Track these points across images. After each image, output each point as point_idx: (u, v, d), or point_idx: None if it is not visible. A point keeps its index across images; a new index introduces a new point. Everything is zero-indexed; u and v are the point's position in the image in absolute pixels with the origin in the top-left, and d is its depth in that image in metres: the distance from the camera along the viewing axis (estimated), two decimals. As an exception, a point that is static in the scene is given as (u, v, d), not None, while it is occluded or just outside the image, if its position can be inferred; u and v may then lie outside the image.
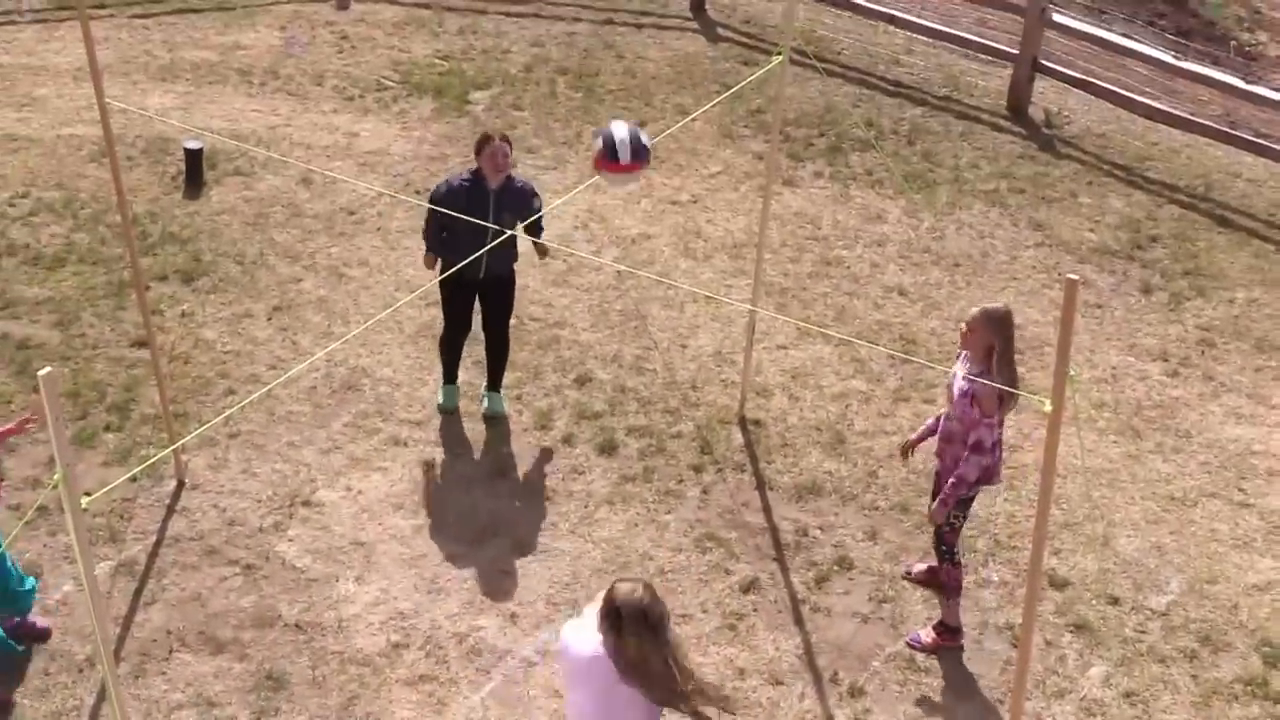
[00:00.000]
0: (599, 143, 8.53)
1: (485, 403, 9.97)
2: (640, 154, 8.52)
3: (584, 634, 5.80)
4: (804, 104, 13.84)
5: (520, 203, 9.28)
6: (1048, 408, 5.91)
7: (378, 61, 14.48)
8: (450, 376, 9.94)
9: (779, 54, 8.86)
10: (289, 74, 14.17)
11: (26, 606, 7.84)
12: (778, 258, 11.47)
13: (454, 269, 8.29)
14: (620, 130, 8.56)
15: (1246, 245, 12.30)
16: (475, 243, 8.57)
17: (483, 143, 9.21)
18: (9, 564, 7.60)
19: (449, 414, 9.81)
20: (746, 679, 8.01)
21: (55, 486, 4.82)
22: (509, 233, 8.70)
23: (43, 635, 7.95)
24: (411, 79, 14.14)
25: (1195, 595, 8.74)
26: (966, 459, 7.67)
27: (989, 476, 7.83)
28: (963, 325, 7.73)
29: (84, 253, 11.24)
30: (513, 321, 10.20)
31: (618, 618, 5.70)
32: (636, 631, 5.64)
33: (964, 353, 7.82)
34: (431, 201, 9.26)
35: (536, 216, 9.15)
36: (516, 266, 9.61)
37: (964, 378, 7.66)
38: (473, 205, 8.90)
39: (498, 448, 9.61)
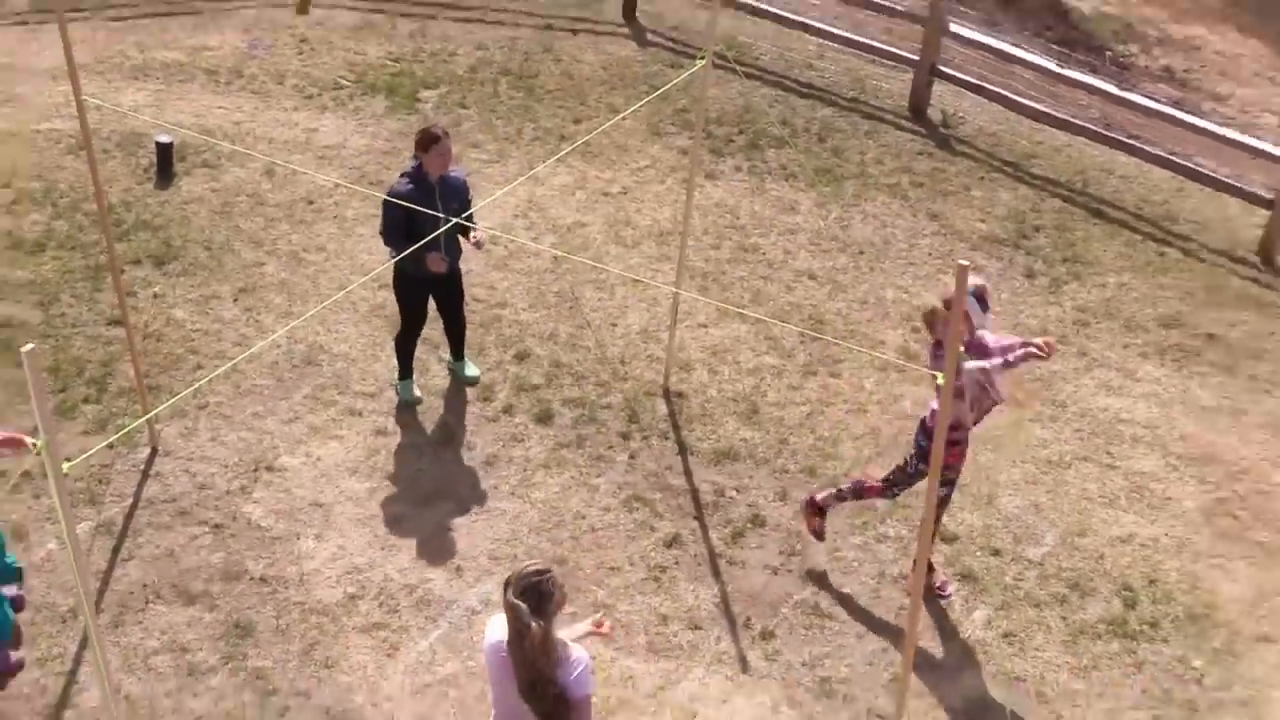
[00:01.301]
0: None
1: (463, 370, 9.94)
2: None
3: (497, 624, 5.55)
4: (725, 104, 13.92)
5: (461, 194, 9.15)
6: (939, 379, 6.11)
7: (334, 63, 14.41)
8: (406, 372, 9.78)
9: (702, 58, 8.90)
10: (252, 74, 14.08)
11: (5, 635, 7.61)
12: (699, 245, 11.55)
13: (414, 263, 8.48)
14: None
15: (1118, 235, 12.49)
16: (431, 245, 8.44)
17: (431, 140, 8.83)
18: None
19: (415, 405, 9.79)
20: (669, 625, 8.16)
21: (39, 453, 4.88)
22: (456, 222, 8.40)
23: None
24: (366, 79, 14.09)
25: (1067, 547, 8.96)
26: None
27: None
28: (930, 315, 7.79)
29: (63, 239, 11.18)
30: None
31: (505, 591, 5.54)
32: (514, 604, 5.45)
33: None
34: (395, 208, 8.59)
35: (469, 214, 9.03)
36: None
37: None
38: (421, 201, 8.62)
39: (444, 418, 9.66)
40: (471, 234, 9.07)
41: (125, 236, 11.20)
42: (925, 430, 7.91)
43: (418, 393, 9.79)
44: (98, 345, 10.01)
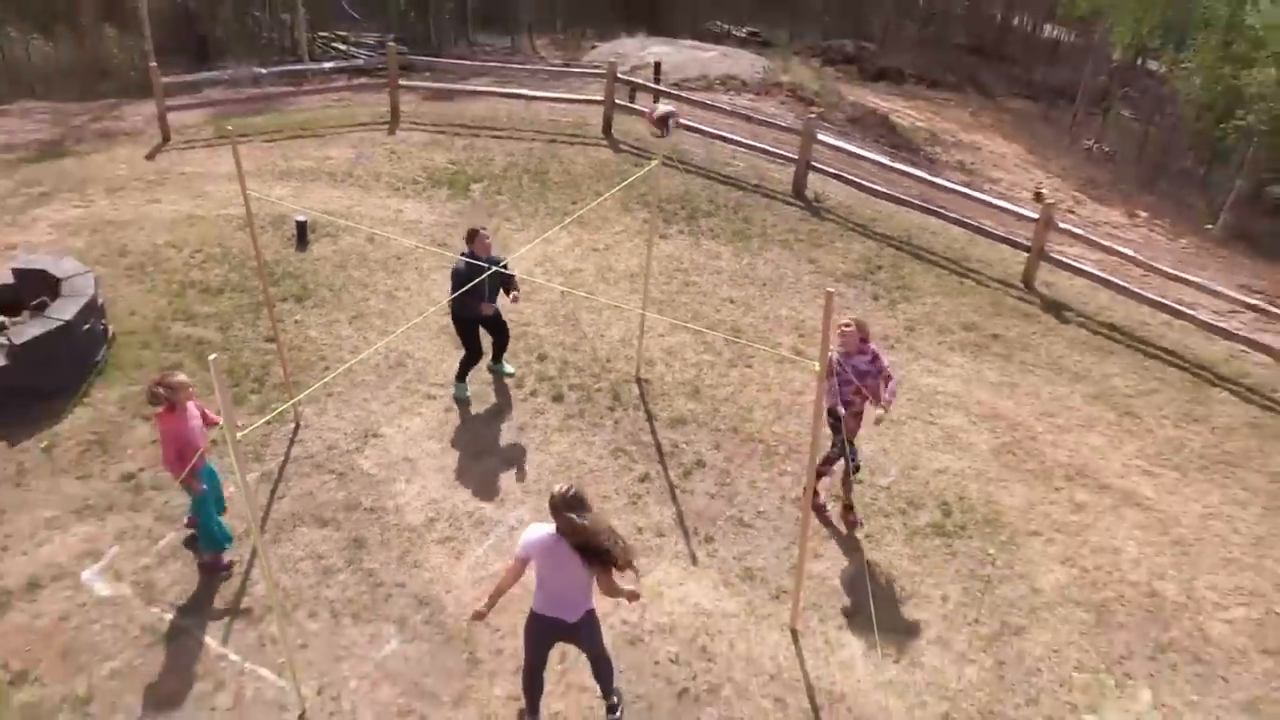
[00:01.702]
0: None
1: (502, 369, 9.70)
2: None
3: (541, 527, 5.82)
4: (672, 190, 13.79)
5: (500, 275, 8.79)
6: (816, 368, 6.01)
7: (413, 166, 14.23)
8: (462, 378, 9.40)
9: (654, 161, 8.86)
10: (358, 174, 13.89)
11: (228, 543, 7.52)
12: (657, 282, 11.43)
13: (469, 310, 8.77)
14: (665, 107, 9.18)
15: (932, 271, 12.41)
16: (478, 299, 8.71)
17: (472, 234, 8.79)
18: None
19: (465, 401, 9.39)
20: (643, 533, 8.05)
21: (222, 426, 4.77)
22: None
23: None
24: (434, 176, 13.93)
25: (904, 477, 8.89)
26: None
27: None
28: (843, 331, 7.87)
29: (235, 285, 10.98)
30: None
31: (553, 504, 5.71)
32: (559, 510, 5.66)
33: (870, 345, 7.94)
34: (457, 277, 8.60)
35: (510, 277, 8.92)
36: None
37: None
38: (473, 273, 8.49)
39: (491, 399, 9.52)
40: (512, 293, 8.99)
41: (276, 283, 11.01)
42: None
43: (468, 393, 9.49)
44: (258, 355, 9.83)
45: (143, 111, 16.61)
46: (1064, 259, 12.35)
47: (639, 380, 9.83)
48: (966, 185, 16.31)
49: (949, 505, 8.58)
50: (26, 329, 9.04)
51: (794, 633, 7.31)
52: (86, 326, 9.38)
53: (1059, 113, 28.65)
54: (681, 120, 9.02)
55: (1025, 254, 12.34)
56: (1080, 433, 9.68)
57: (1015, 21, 35.12)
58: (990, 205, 13.09)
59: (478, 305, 8.88)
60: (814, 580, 7.73)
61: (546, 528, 5.83)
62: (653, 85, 16.79)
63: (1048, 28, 35.22)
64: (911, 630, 7.41)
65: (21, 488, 8.12)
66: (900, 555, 8.05)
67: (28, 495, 8.05)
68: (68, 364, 9.14)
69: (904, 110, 24.05)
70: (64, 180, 13.47)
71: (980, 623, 7.52)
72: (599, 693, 6.60)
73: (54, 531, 7.72)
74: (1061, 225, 12.16)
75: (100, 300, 9.84)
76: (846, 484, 8.27)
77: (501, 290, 9.02)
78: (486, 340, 9.50)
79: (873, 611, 7.46)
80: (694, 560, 7.86)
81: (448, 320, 10.09)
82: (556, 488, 5.75)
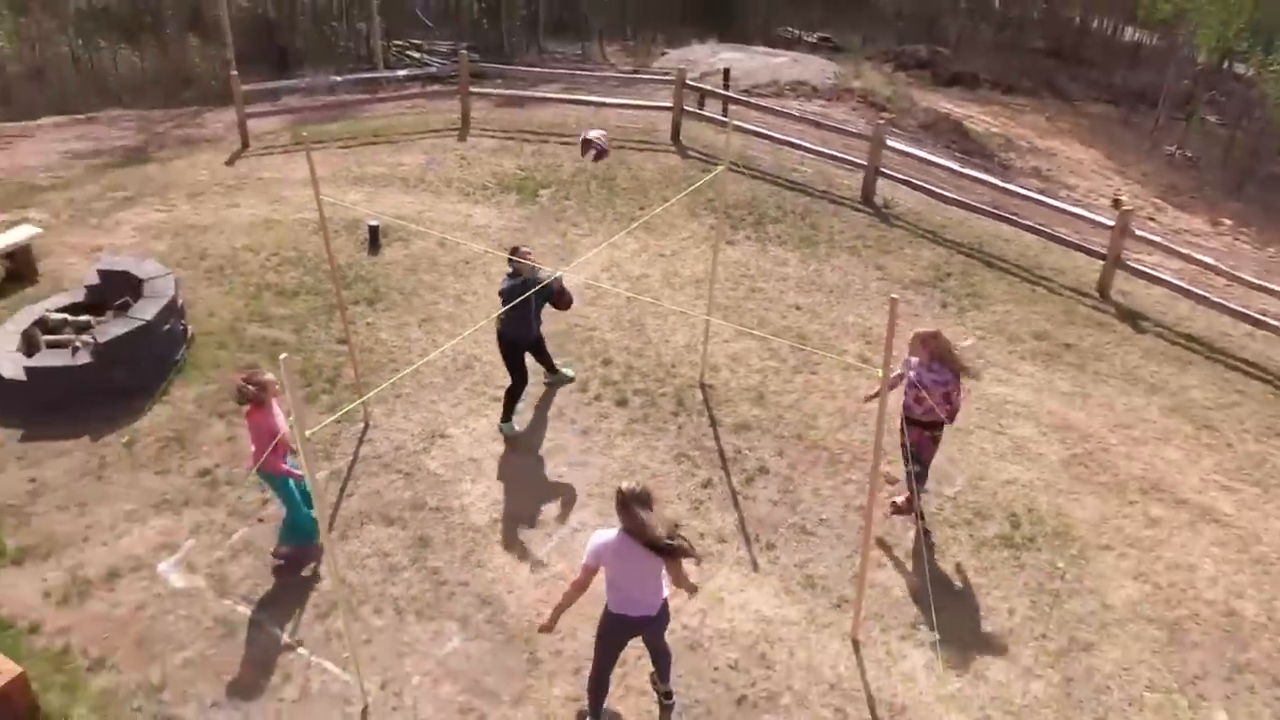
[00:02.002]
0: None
1: (561, 376, 9.63)
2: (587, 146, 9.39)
3: (607, 532, 5.92)
4: (739, 196, 13.78)
5: (543, 287, 8.54)
6: (880, 374, 5.97)
7: (483, 172, 14.43)
8: (508, 416, 9.05)
9: (720, 166, 8.88)
10: (430, 180, 14.12)
11: (314, 539, 7.64)
12: (723, 288, 11.42)
13: (513, 329, 8.61)
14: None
15: (1004, 279, 12.21)
16: (522, 317, 8.42)
17: (514, 252, 8.59)
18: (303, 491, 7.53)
19: (513, 437, 9.09)
20: (704, 539, 8.05)
21: (292, 425, 4.89)
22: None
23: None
24: (503, 182, 14.10)
25: (971, 488, 8.76)
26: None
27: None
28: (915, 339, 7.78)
29: (309, 288, 11.24)
30: (562, 328, 10.21)
31: (622, 500, 5.80)
32: (627, 505, 5.75)
33: (912, 358, 7.81)
34: (505, 296, 8.44)
35: (554, 293, 8.58)
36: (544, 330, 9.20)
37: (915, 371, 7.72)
38: (516, 290, 8.38)
39: (556, 403, 9.59)
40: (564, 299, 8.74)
41: (349, 286, 11.23)
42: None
43: (515, 429, 9.15)
44: (331, 357, 10.03)
45: (223, 119, 17.11)
46: (1141, 267, 12.07)
47: (703, 386, 9.83)
48: (1041, 192, 16.01)
49: (1017, 517, 8.43)
50: (110, 328, 9.38)
51: (855, 642, 7.25)
52: (166, 326, 9.69)
53: (1140, 118, 27.95)
54: (607, 144, 9.28)
55: (1100, 262, 12.07)
56: (1156, 445, 9.44)
57: (1095, 24, 34.37)
58: (1064, 212, 12.84)
59: (524, 325, 8.65)
60: (876, 590, 7.66)
61: (611, 531, 5.90)
62: (722, 91, 16.79)
63: (1129, 30, 34.41)
64: (976, 643, 7.30)
65: (103, 481, 8.42)
66: (966, 567, 7.93)
67: (109, 489, 8.35)
68: (148, 363, 9.45)
69: (978, 116, 23.69)
70: (147, 185, 13.93)
71: (1048, 638, 7.38)
72: (653, 679, 6.74)
73: (133, 524, 7.99)
74: (1139, 233, 11.87)
75: (180, 301, 10.16)
76: (910, 487, 8.20)
77: (550, 304, 8.75)
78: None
79: (936, 623, 7.38)
80: (755, 567, 7.84)
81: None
82: (624, 484, 5.83)
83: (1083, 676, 7.11)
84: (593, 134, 9.74)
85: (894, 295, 5.93)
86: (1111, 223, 11.93)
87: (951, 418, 7.82)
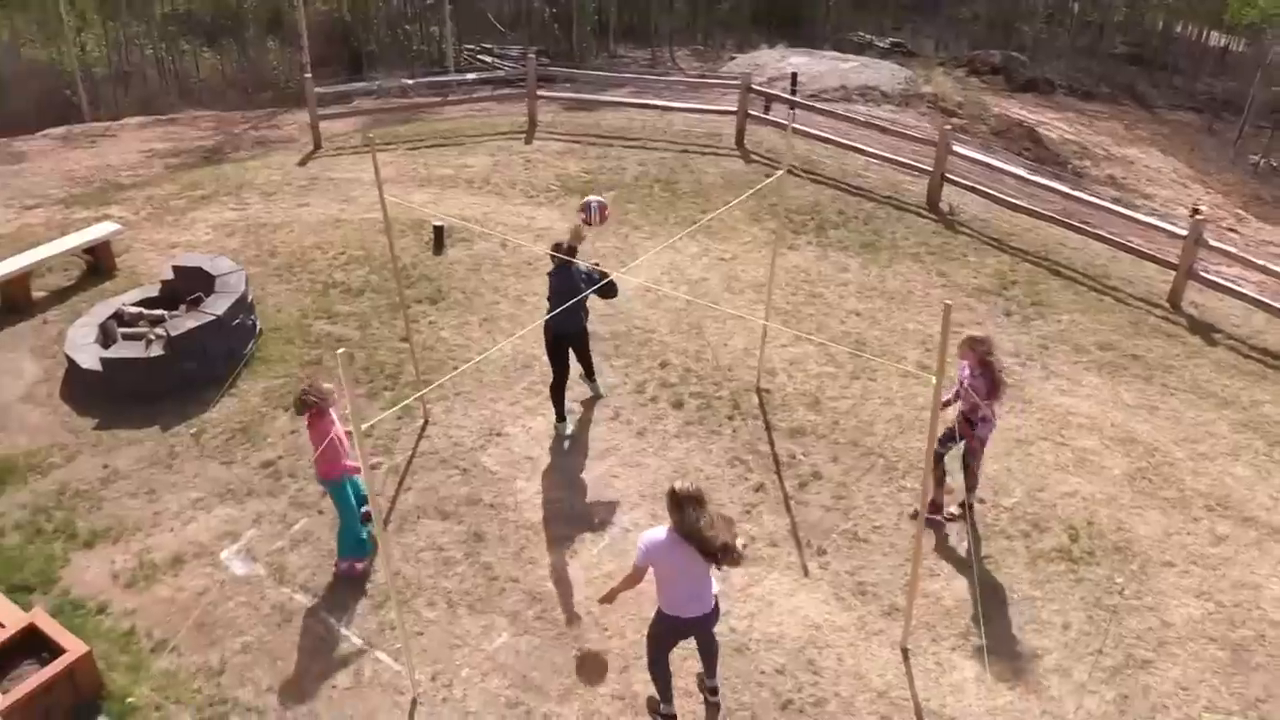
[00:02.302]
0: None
1: (597, 387, 9.66)
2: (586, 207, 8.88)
3: (656, 531, 6.02)
4: (801, 201, 13.74)
5: (592, 279, 8.58)
6: (933, 380, 5.95)
7: (548, 175, 14.58)
8: (561, 416, 9.20)
9: (780, 170, 8.88)
10: (495, 182, 14.30)
11: (367, 552, 7.75)
12: (783, 292, 11.38)
13: (558, 322, 8.50)
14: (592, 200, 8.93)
15: (1070, 287, 11.98)
16: (569, 308, 8.32)
17: (564, 243, 8.67)
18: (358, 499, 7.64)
19: (568, 438, 9.21)
20: (755, 543, 8.05)
21: (350, 414, 5.03)
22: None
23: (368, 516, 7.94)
24: (567, 185, 14.23)
25: (1030, 499, 8.63)
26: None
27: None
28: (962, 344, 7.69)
29: (374, 286, 11.46)
30: (620, 330, 10.28)
31: (673, 499, 5.87)
32: (682, 505, 5.81)
33: (963, 361, 7.75)
34: (554, 279, 8.71)
35: (604, 284, 8.42)
36: (589, 325, 9.25)
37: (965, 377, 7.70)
38: (564, 282, 8.56)
39: (613, 403, 9.66)
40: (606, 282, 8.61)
41: (412, 285, 11.43)
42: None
43: (570, 430, 9.28)
44: (393, 354, 10.23)
45: (298, 120, 17.54)
46: (1216, 278, 11.76)
47: (759, 390, 9.83)
48: (1116, 201, 15.69)
49: (1076, 530, 8.29)
50: (182, 322, 9.71)
51: (905, 651, 7.20)
52: (236, 321, 9.99)
53: (1224, 126, 27.19)
54: (605, 210, 8.99)
55: (1171, 272, 11.79)
56: (1225, 461, 9.20)
57: (1179, 29, 33.51)
58: (1134, 220, 12.57)
59: (568, 316, 8.54)
60: (928, 599, 7.59)
61: (661, 531, 5.96)
62: (785, 95, 16.76)
63: (1214, 36, 33.50)
64: (1028, 657, 7.20)
65: (172, 470, 8.72)
66: (1021, 579, 7.82)
67: (177, 477, 8.64)
68: (218, 356, 9.75)
69: (1053, 122, 23.27)
70: (223, 184, 14.35)
71: (1104, 653, 7.25)
72: (700, 680, 6.83)
73: (199, 512, 8.26)
74: (1212, 243, 11.58)
75: (250, 297, 10.46)
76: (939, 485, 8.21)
77: (598, 294, 8.68)
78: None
79: (988, 635, 7.30)
80: (805, 572, 7.83)
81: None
82: (677, 484, 5.91)
83: (1139, 694, 6.97)
84: (591, 199, 9.14)
85: (948, 302, 5.89)
86: (1182, 231, 11.65)
87: (974, 432, 7.82)
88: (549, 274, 8.83)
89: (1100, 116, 25.54)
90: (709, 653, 6.62)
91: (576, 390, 9.57)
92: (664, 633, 6.36)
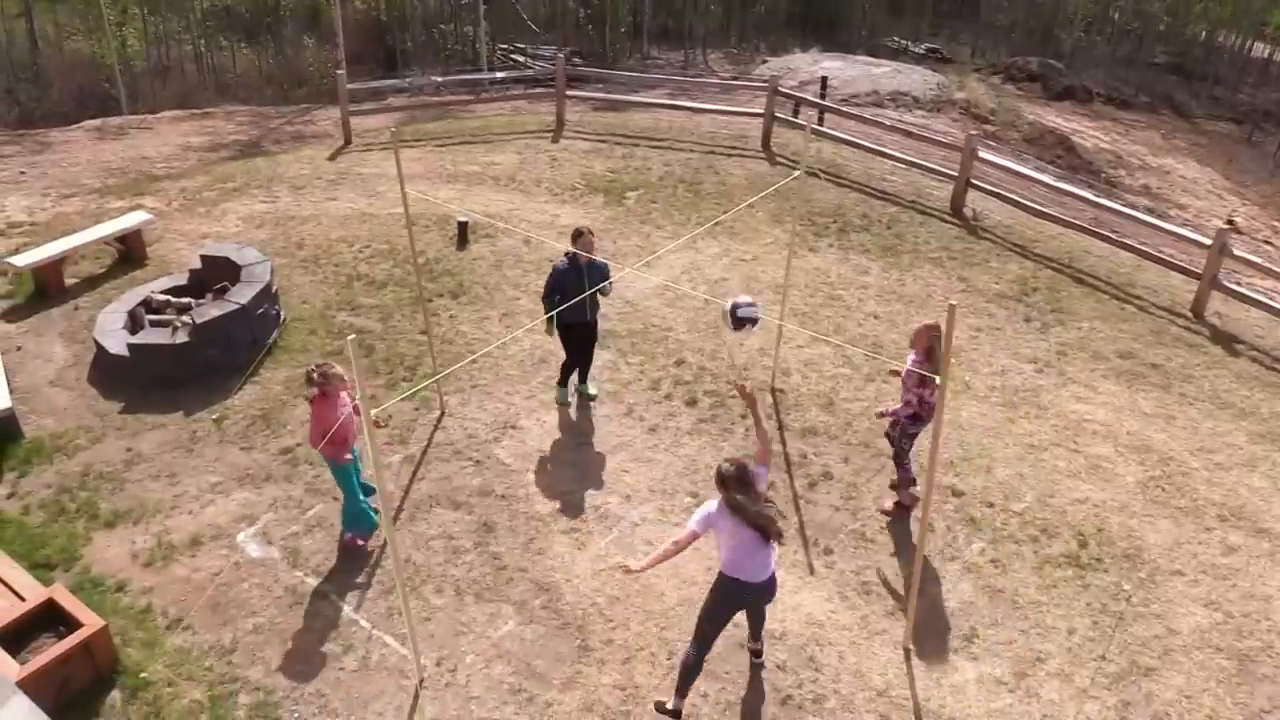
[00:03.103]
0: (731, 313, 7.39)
1: (587, 389, 9.74)
2: (740, 323, 7.39)
3: (711, 504, 6.25)
4: (824, 203, 13.80)
5: (603, 273, 8.83)
6: (939, 380, 6.02)
7: (573, 173, 14.73)
8: (563, 383, 9.58)
9: (797, 171, 8.95)
10: (520, 179, 14.47)
11: (373, 526, 7.98)
12: (801, 294, 11.46)
13: (567, 313, 8.67)
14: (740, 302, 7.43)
15: (1091, 296, 11.97)
16: (579, 302, 8.63)
17: (577, 235, 8.75)
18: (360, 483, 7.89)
19: (566, 405, 9.61)
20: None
21: (360, 398, 5.16)
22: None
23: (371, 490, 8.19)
24: (592, 184, 14.37)
25: (1040, 504, 8.65)
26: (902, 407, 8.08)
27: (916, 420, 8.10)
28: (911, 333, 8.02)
29: (397, 279, 11.64)
30: (638, 328, 10.38)
31: (721, 478, 6.05)
32: (729, 483, 6.10)
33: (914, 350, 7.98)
34: (554, 279, 8.83)
35: (608, 281, 8.76)
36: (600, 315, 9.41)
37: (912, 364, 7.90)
38: (572, 275, 8.78)
39: (626, 399, 9.77)
40: (602, 293, 8.89)
41: (435, 279, 11.61)
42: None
43: (569, 398, 9.65)
44: (413, 346, 10.39)
45: (331, 116, 17.81)
46: (1242, 289, 11.70)
47: (774, 390, 9.91)
48: (1148, 211, 15.61)
49: (1085, 536, 8.30)
50: (207, 310, 9.94)
51: (907, 651, 7.26)
52: (260, 311, 10.21)
53: (1264, 137, 26.90)
54: (754, 315, 7.47)
55: (1196, 281, 11.74)
56: (1240, 472, 9.17)
57: (1221, 39, 33.15)
58: (1159, 229, 12.52)
59: (580, 309, 8.81)
60: (932, 600, 7.64)
61: (713, 503, 6.24)
62: (813, 99, 16.81)
63: (1258, 46, 33.12)
64: (1031, 660, 7.23)
65: (193, 454, 8.94)
66: (1027, 584, 7.85)
67: (198, 461, 8.86)
68: (242, 344, 9.97)
69: (1088, 131, 23.13)
70: (255, 177, 14.63)
71: (1107, 659, 7.27)
72: (749, 638, 7.08)
73: (217, 495, 8.47)
74: (1237, 253, 11.52)
75: (275, 287, 10.68)
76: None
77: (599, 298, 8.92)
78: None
79: (991, 638, 7.34)
80: (811, 570, 7.90)
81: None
82: (723, 464, 6.19)
83: (1141, 702, 6.98)
84: (740, 299, 7.62)
85: (952, 302, 5.95)
86: (1207, 241, 11.60)
87: (921, 412, 8.02)
88: (557, 269, 8.92)
89: (1137, 126, 25.35)
90: (758, 622, 6.92)
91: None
92: (720, 601, 6.40)
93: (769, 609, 6.94)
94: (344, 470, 7.62)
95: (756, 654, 7.09)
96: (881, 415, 8.44)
